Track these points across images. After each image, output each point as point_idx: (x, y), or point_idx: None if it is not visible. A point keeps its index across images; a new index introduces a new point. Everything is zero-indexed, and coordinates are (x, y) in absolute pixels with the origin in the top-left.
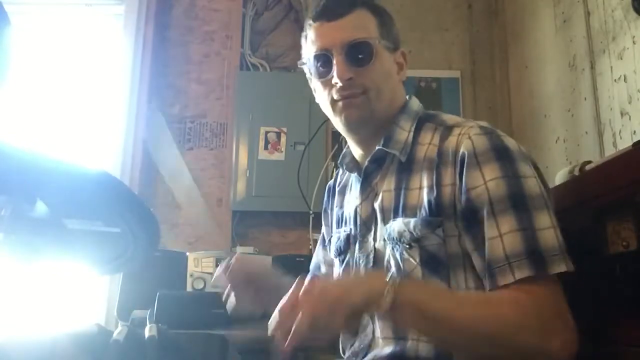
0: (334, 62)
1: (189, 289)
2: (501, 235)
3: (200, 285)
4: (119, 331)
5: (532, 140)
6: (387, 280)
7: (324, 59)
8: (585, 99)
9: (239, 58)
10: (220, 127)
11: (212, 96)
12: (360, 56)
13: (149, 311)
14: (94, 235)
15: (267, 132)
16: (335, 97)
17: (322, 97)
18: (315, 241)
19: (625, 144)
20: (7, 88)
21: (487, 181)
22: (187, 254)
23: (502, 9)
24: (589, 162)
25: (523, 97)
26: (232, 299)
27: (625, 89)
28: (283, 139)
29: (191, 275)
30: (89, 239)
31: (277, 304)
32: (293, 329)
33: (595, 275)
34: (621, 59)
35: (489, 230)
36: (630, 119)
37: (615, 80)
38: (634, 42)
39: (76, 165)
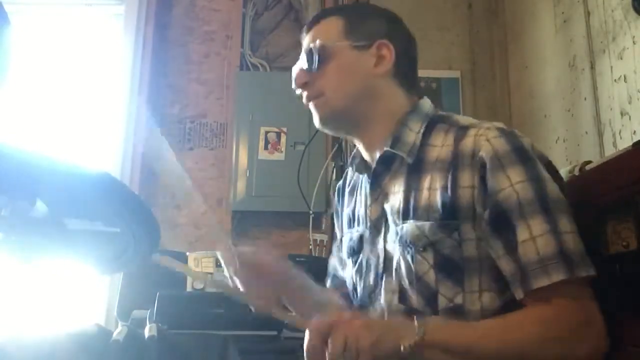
0: None
1: (189, 289)
2: (533, 237)
3: (200, 285)
4: (119, 331)
5: (532, 140)
6: (416, 325)
7: None
8: (585, 99)
9: (239, 58)
10: (220, 127)
11: (212, 96)
12: (314, 61)
13: (149, 311)
14: (94, 235)
15: (267, 132)
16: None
17: None
18: (315, 241)
19: (625, 144)
20: (7, 88)
21: (513, 184)
22: (187, 254)
23: (502, 9)
24: (589, 162)
25: (523, 97)
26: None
27: (625, 89)
28: (283, 139)
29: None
30: (89, 239)
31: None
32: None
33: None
34: (621, 59)
35: (521, 233)
36: (630, 119)
37: (615, 80)
38: (634, 42)
39: (76, 165)
